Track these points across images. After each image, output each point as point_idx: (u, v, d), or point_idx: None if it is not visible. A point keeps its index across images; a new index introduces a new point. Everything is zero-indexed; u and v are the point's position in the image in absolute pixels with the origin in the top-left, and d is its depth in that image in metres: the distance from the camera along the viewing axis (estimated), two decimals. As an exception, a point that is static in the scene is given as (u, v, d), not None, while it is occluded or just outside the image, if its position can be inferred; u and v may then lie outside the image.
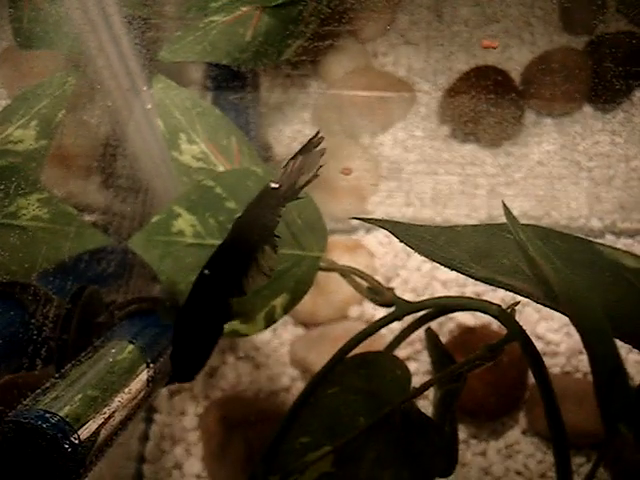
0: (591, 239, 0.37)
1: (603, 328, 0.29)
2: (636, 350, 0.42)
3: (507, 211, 0.32)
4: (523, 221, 0.38)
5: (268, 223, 0.41)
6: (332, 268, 0.50)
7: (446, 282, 0.77)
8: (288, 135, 0.85)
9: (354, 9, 0.63)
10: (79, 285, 0.49)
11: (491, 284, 0.33)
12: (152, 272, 0.52)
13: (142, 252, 0.51)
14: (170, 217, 0.51)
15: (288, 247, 0.49)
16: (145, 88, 0.59)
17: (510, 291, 0.33)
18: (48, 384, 0.38)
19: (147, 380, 0.42)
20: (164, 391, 0.74)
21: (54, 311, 0.47)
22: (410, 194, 0.83)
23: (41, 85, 0.61)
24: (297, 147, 0.39)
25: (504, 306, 0.42)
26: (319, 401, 0.45)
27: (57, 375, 0.39)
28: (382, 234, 0.80)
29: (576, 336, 0.73)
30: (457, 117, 0.85)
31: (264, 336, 0.76)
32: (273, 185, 0.39)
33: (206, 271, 0.41)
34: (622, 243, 0.80)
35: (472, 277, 0.33)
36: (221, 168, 0.55)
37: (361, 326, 0.49)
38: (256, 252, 0.41)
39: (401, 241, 0.34)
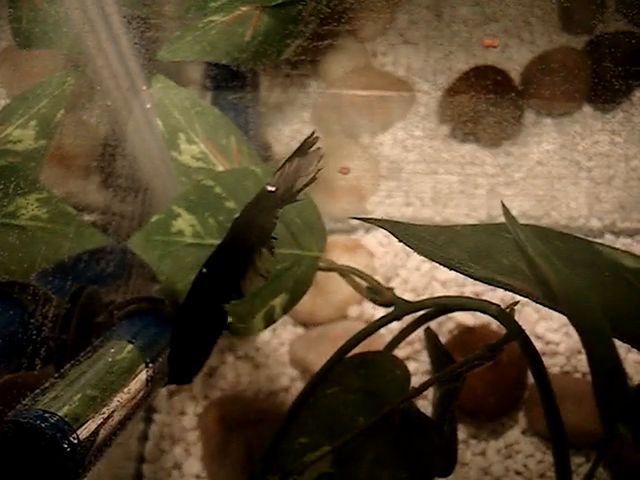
0: (590, 239, 0.37)
1: (602, 328, 0.29)
2: (635, 350, 0.43)
3: (506, 211, 0.32)
4: (522, 221, 0.38)
5: (265, 225, 0.41)
6: (331, 268, 0.50)
7: (445, 282, 0.77)
8: (287, 135, 0.85)
9: (353, 9, 0.63)
10: (78, 285, 0.49)
11: (490, 284, 0.33)
12: (151, 272, 0.52)
13: (141, 252, 0.51)
14: (169, 217, 0.51)
15: (287, 247, 0.49)
16: (144, 88, 0.59)
17: (509, 291, 0.33)
18: (47, 384, 0.38)
19: (146, 380, 0.42)
20: (163, 391, 0.73)
21: (53, 311, 0.47)
22: (410, 194, 0.83)
23: (40, 85, 0.61)
24: (296, 147, 0.39)
25: (503, 306, 0.42)
26: (318, 401, 0.45)
27: (56, 375, 0.39)
28: (382, 234, 0.80)
29: (575, 336, 0.73)
30: (457, 117, 0.85)
31: (263, 336, 0.76)
32: (269, 188, 0.39)
33: (204, 269, 0.41)
34: (621, 243, 0.80)
35: (471, 277, 0.33)
36: (220, 168, 0.54)
37: (360, 326, 0.49)
38: (253, 254, 0.40)
39: (400, 241, 0.34)
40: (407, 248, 0.77)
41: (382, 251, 0.79)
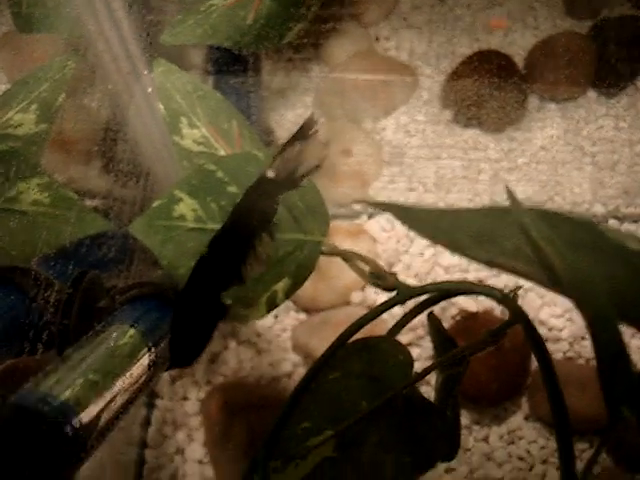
0: (594, 223, 0.37)
1: (607, 312, 0.29)
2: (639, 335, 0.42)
3: (510, 194, 0.32)
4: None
5: (266, 210, 0.40)
6: (334, 252, 0.50)
7: (448, 268, 0.77)
8: (290, 119, 0.85)
9: (356, -8, 0.63)
10: (80, 270, 0.49)
11: (494, 267, 0.33)
12: (153, 257, 0.52)
13: (143, 237, 0.51)
14: (171, 202, 0.50)
15: (290, 231, 0.49)
16: (146, 72, 0.59)
17: (513, 274, 0.33)
18: (49, 368, 0.38)
19: (148, 364, 0.42)
20: (166, 377, 0.74)
21: (55, 296, 0.47)
22: (412, 179, 0.83)
23: (41, 69, 0.60)
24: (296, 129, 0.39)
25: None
26: (320, 386, 0.45)
27: (58, 359, 0.39)
28: (384, 219, 0.80)
29: (579, 322, 0.73)
30: (460, 101, 0.84)
31: (266, 322, 0.76)
32: (270, 173, 0.38)
33: (205, 255, 0.40)
34: (625, 228, 0.80)
35: (475, 260, 0.33)
36: (222, 152, 0.54)
37: (363, 312, 0.48)
38: (254, 239, 0.40)
39: (404, 224, 0.34)
40: (410, 234, 0.78)
41: (385, 237, 0.78)
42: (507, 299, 0.41)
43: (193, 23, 0.60)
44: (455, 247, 0.33)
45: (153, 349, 0.43)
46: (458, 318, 0.73)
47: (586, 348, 0.72)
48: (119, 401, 0.38)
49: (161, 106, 0.56)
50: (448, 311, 0.74)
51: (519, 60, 0.88)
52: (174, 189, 0.51)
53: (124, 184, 0.60)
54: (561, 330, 0.73)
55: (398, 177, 0.83)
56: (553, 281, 0.31)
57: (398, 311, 0.70)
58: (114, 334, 0.42)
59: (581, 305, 0.29)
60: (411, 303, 0.49)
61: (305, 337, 0.73)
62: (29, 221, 0.53)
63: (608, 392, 0.29)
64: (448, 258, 0.77)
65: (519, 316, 0.40)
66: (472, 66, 0.85)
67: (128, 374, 0.40)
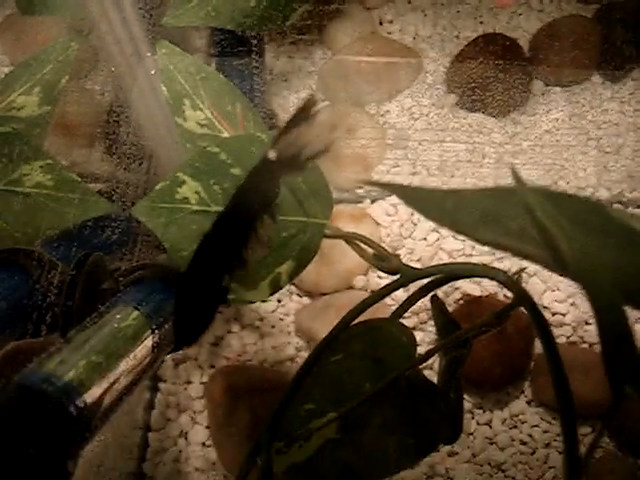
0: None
1: (612, 293, 0.29)
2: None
3: (515, 174, 0.32)
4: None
5: (268, 193, 0.40)
6: (337, 235, 0.49)
7: (452, 252, 0.76)
8: (293, 102, 0.85)
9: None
10: (83, 252, 0.49)
11: (498, 249, 0.33)
12: (157, 240, 0.52)
13: (146, 219, 0.51)
14: (174, 184, 0.50)
15: (293, 214, 0.49)
16: (149, 54, 0.59)
17: (517, 255, 0.33)
18: (53, 349, 0.38)
19: (152, 346, 0.42)
20: (169, 360, 0.74)
21: (58, 277, 0.47)
22: (416, 163, 0.82)
23: (44, 51, 0.60)
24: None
25: (510, 277, 0.41)
26: (323, 368, 0.45)
27: (62, 341, 0.39)
28: (388, 203, 0.79)
29: (582, 307, 0.73)
30: (464, 84, 0.84)
31: (269, 306, 0.76)
32: (271, 154, 0.37)
33: (206, 237, 0.40)
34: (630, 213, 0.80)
35: (479, 242, 0.33)
36: (225, 134, 0.54)
37: (366, 296, 0.48)
38: (256, 222, 0.40)
39: (408, 205, 0.33)
40: (414, 218, 0.78)
41: (388, 221, 0.78)
42: (511, 281, 0.41)
43: (196, 5, 0.59)
44: (459, 228, 0.33)
45: (157, 331, 0.43)
46: (461, 302, 0.73)
47: (589, 333, 0.72)
48: (123, 382, 0.38)
49: (164, 88, 0.56)
50: (451, 296, 0.74)
51: (524, 43, 0.88)
52: (177, 171, 0.50)
53: (127, 167, 0.59)
54: (564, 315, 0.73)
55: (402, 161, 0.82)
56: (558, 263, 0.31)
57: (402, 296, 0.70)
58: (118, 316, 0.42)
59: (586, 287, 0.29)
60: (414, 288, 0.49)
61: (308, 321, 0.73)
62: (32, 203, 0.53)
63: (612, 373, 0.29)
64: (452, 243, 0.76)
65: (523, 298, 0.40)
66: (477, 49, 0.84)
67: (132, 356, 0.40)
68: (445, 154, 0.82)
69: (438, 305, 0.47)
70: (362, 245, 0.49)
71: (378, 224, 0.78)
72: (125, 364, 0.39)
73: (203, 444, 0.71)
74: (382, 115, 0.86)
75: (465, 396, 0.71)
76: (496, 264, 0.75)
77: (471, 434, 0.70)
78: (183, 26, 0.59)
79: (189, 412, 0.72)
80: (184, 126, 0.54)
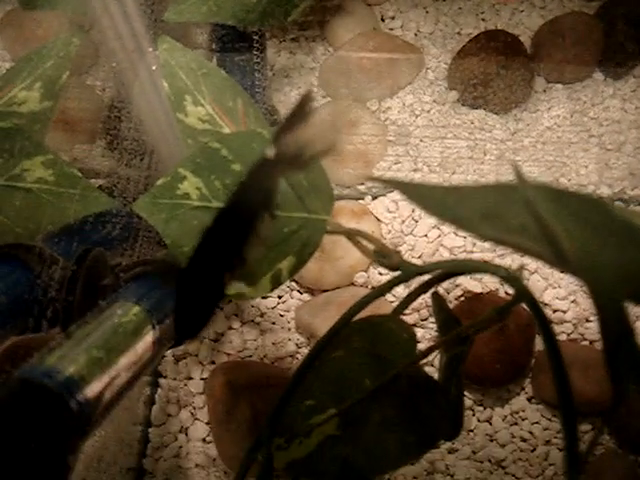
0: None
1: (614, 290, 0.29)
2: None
3: (516, 170, 0.32)
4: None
5: (267, 189, 0.40)
6: (338, 231, 0.49)
7: (453, 249, 0.76)
8: (294, 98, 0.84)
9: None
10: (84, 247, 0.49)
11: (500, 245, 0.33)
12: (158, 235, 0.52)
13: (147, 215, 0.51)
14: (175, 180, 0.50)
15: (294, 210, 0.49)
16: (150, 49, 0.59)
17: (519, 252, 0.33)
18: (53, 344, 0.38)
19: (153, 342, 0.42)
20: (170, 356, 0.74)
21: (59, 273, 0.47)
22: (417, 159, 0.82)
23: (45, 46, 0.60)
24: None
25: (511, 274, 0.41)
26: (324, 364, 0.45)
27: (63, 336, 0.39)
28: (389, 200, 0.79)
29: (583, 304, 0.73)
30: (466, 81, 0.84)
31: (269, 302, 0.76)
32: (270, 151, 0.37)
33: (206, 235, 0.40)
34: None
35: (481, 238, 0.33)
36: (227, 130, 0.54)
37: (367, 292, 0.48)
38: (255, 220, 0.40)
39: (410, 201, 0.33)
40: (415, 215, 0.77)
41: (389, 217, 0.78)
42: (512, 278, 0.41)
43: (197, 0, 0.59)
44: (461, 224, 0.33)
45: (157, 327, 0.43)
46: (462, 299, 0.73)
47: (590, 330, 0.72)
48: (123, 377, 0.38)
49: (165, 84, 0.55)
50: (452, 292, 0.74)
51: (526, 40, 0.88)
52: (178, 167, 0.50)
53: (128, 162, 0.59)
54: (565, 312, 0.73)
55: (403, 157, 0.82)
56: (560, 259, 0.30)
57: (402, 293, 0.70)
58: (118, 311, 0.42)
59: (588, 282, 0.29)
60: (415, 284, 0.49)
61: (309, 317, 0.73)
62: (33, 198, 0.53)
63: (613, 371, 0.29)
64: (453, 240, 0.76)
65: (524, 295, 0.40)
66: (478, 46, 0.84)
67: (132, 351, 0.40)
68: (446, 151, 0.82)
69: (439, 302, 0.47)
70: (363, 241, 0.48)
71: (379, 220, 0.78)
72: (126, 359, 0.39)
73: (203, 440, 0.71)
74: (383, 111, 0.86)
75: (466, 393, 0.71)
76: (497, 261, 0.75)
77: (471, 431, 0.70)
78: (184, 22, 0.59)
79: (189, 408, 0.72)
80: (185, 122, 0.54)
